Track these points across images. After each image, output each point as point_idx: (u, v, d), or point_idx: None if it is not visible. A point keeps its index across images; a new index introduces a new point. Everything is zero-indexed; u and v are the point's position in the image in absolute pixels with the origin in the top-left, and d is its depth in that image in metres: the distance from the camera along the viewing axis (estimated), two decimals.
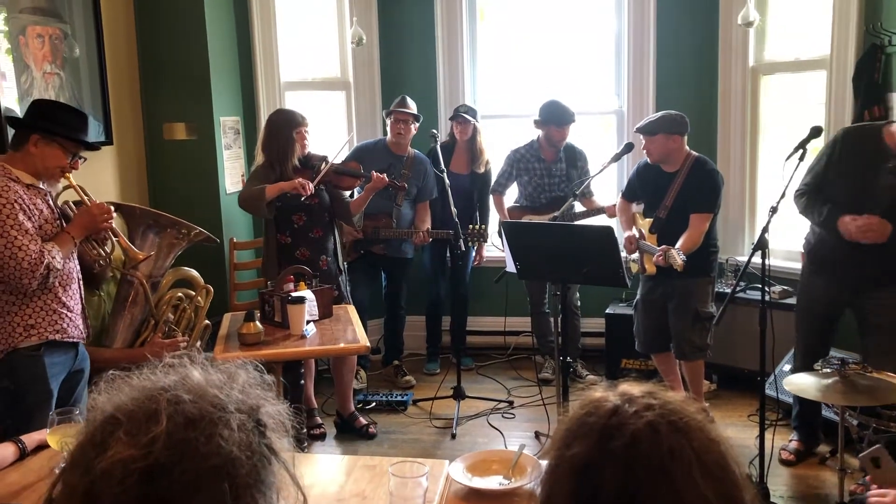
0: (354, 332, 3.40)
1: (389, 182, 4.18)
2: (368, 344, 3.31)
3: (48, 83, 3.76)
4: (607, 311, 4.82)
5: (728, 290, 3.61)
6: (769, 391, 3.75)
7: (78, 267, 2.87)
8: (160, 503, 0.86)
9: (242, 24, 5.03)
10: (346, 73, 5.29)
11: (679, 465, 0.90)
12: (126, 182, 4.49)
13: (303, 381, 3.89)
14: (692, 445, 0.92)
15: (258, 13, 5.03)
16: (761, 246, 3.10)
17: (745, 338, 4.23)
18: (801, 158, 3.17)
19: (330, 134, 5.30)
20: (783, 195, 3.14)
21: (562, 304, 3.58)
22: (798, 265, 4.41)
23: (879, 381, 2.73)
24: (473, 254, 4.99)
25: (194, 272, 3.57)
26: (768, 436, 3.27)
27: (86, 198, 2.83)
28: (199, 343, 3.43)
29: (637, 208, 4.17)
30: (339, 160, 4.20)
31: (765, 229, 3.12)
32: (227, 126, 4.84)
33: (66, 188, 2.85)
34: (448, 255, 4.64)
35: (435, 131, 4.65)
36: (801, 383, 2.79)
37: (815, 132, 3.23)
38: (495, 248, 4.83)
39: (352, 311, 3.72)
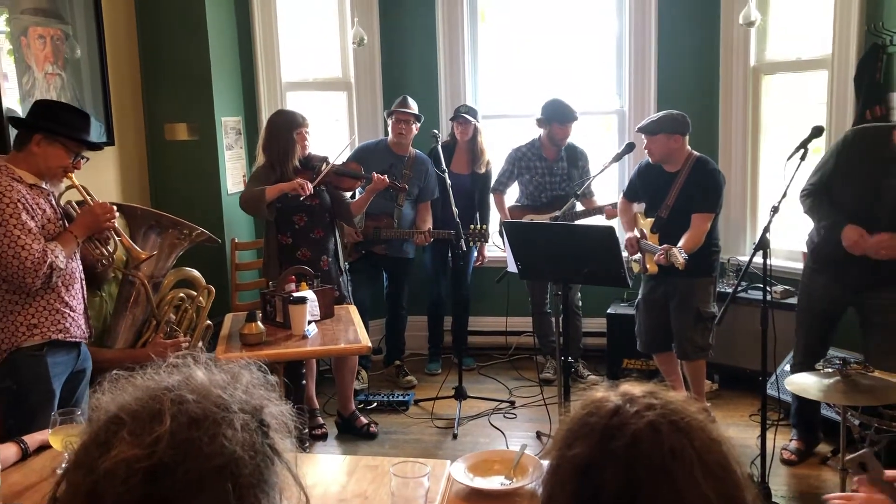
0: (356, 332, 3.40)
1: (390, 183, 4.18)
2: (370, 344, 3.31)
3: (50, 84, 3.77)
4: (609, 310, 4.82)
5: (729, 290, 3.62)
6: (770, 391, 3.75)
7: (80, 267, 2.87)
8: (163, 503, 0.86)
9: (243, 25, 5.03)
10: (348, 74, 5.30)
11: (680, 465, 0.90)
12: (127, 182, 4.49)
13: (304, 382, 3.89)
14: (694, 445, 0.92)
15: (259, 13, 5.04)
16: (763, 246, 3.10)
17: (746, 338, 4.23)
18: (803, 158, 3.17)
19: (331, 134, 5.31)
20: (784, 195, 3.14)
21: (563, 304, 3.58)
22: (799, 265, 4.41)
23: (881, 380, 2.73)
24: (475, 254, 5.00)
25: (196, 272, 3.57)
26: (770, 436, 3.27)
27: (88, 197, 2.84)
28: (200, 343, 3.43)
29: (638, 208, 4.17)
30: (340, 161, 4.20)
31: (766, 229, 3.12)
32: (228, 126, 4.85)
33: (68, 188, 2.85)
34: (449, 255, 4.64)
35: (436, 131, 4.65)
36: (802, 383, 2.79)
37: (817, 132, 3.23)
38: (496, 247, 4.83)
39: (353, 311, 3.72)
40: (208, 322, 3.54)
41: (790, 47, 4.72)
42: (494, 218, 4.95)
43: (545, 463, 1.03)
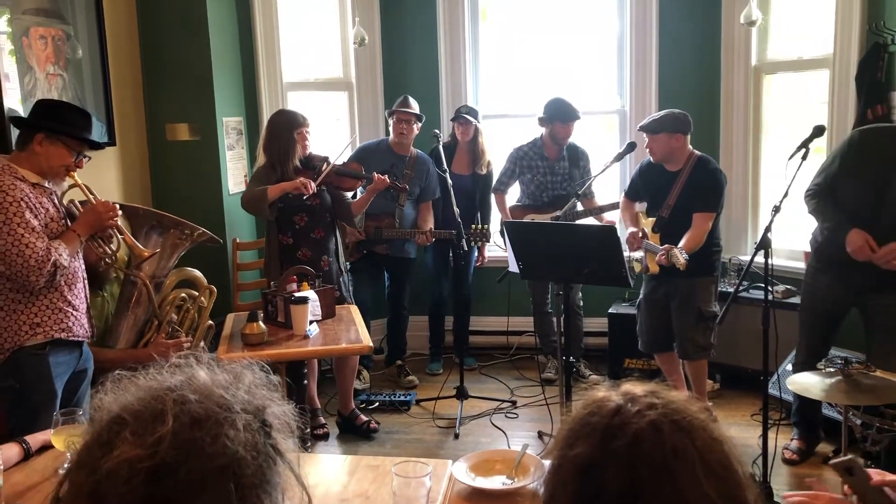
0: (357, 332, 3.40)
1: (391, 183, 4.18)
2: (371, 344, 3.32)
3: (51, 84, 3.77)
4: (610, 310, 4.82)
5: (731, 290, 3.62)
6: (772, 391, 3.75)
7: (83, 266, 2.88)
8: (166, 503, 0.87)
9: (245, 25, 5.04)
10: (349, 74, 5.30)
11: (682, 465, 0.90)
12: (129, 183, 4.50)
13: (306, 382, 3.89)
14: (695, 444, 0.92)
15: (260, 13, 5.04)
16: (764, 245, 3.10)
17: (748, 337, 4.22)
18: (804, 158, 3.17)
19: (332, 134, 5.31)
20: (786, 194, 3.13)
21: (564, 304, 3.57)
22: (801, 265, 4.41)
23: (882, 380, 2.72)
24: (476, 254, 5.00)
25: (197, 273, 3.57)
26: (771, 435, 3.27)
27: (91, 196, 2.85)
28: (202, 343, 3.43)
29: (640, 207, 4.17)
30: (340, 161, 4.20)
31: (768, 229, 3.11)
32: (229, 126, 4.85)
33: (71, 187, 2.86)
34: (450, 255, 4.65)
35: (437, 131, 4.66)
36: (804, 383, 2.78)
37: (818, 131, 3.23)
38: (498, 247, 4.83)
39: (354, 311, 3.72)
40: (210, 322, 3.54)
41: (791, 47, 4.72)
42: (495, 218, 4.95)
43: (547, 463, 1.03)
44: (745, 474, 0.95)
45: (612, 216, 4.63)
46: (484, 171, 4.88)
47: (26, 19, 3.62)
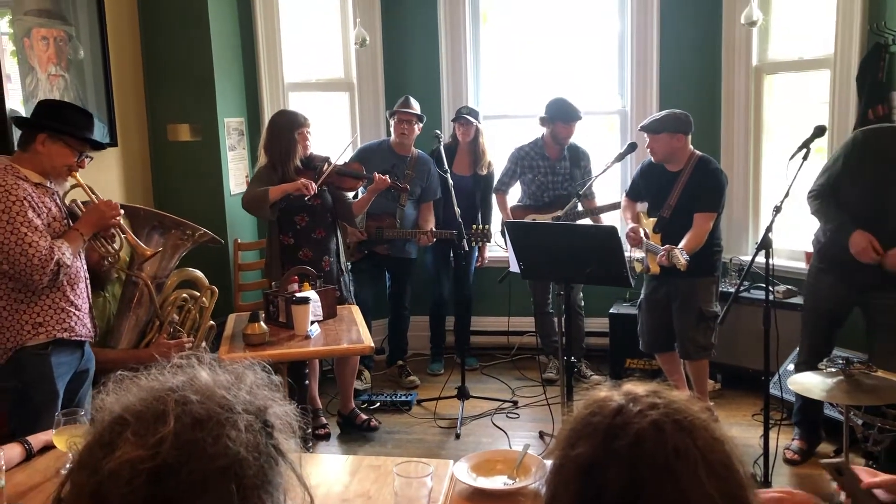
0: (359, 332, 3.40)
1: (391, 184, 4.19)
2: (372, 344, 3.32)
3: (53, 85, 3.78)
4: (611, 310, 4.82)
5: (732, 290, 3.62)
6: (773, 390, 3.75)
7: (85, 266, 2.88)
8: None
9: (246, 26, 5.04)
10: (350, 74, 5.30)
11: (684, 465, 0.90)
12: (130, 183, 4.50)
13: (307, 382, 3.89)
14: (697, 444, 0.92)
15: (262, 14, 5.04)
16: (765, 245, 3.10)
17: (749, 337, 4.22)
18: (805, 158, 3.17)
19: (333, 135, 5.31)
20: (787, 195, 3.13)
21: (565, 304, 3.58)
22: (802, 265, 4.41)
23: (884, 380, 2.72)
24: (476, 254, 5.00)
25: (199, 273, 3.57)
26: (773, 435, 3.27)
27: (93, 196, 2.85)
28: (204, 344, 3.44)
29: (641, 207, 4.17)
30: (341, 161, 4.21)
31: (769, 229, 3.12)
32: (231, 127, 4.85)
33: (73, 187, 2.86)
34: (451, 255, 4.65)
35: (438, 132, 4.66)
36: (805, 382, 2.78)
37: (819, 131, 3.23)
38: (499, 247, 4.83)
39: (356, 311, 3.72)
40: (211, 322, 3.54)
41: (792, 47, 4.72)
42: (496, 218, 4.95)
43: (548, 463, 1.03)
44: (747, 474, 0.95)
45: (613, 216, 4.63)
46: (485, 172, 4.88)
47: (28, 20, 3.62)
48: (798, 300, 4.20)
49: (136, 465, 0.86)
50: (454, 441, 4.06)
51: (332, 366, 4.48)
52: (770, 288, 3.18)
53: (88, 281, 2.91)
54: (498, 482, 1.92)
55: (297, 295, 3.39)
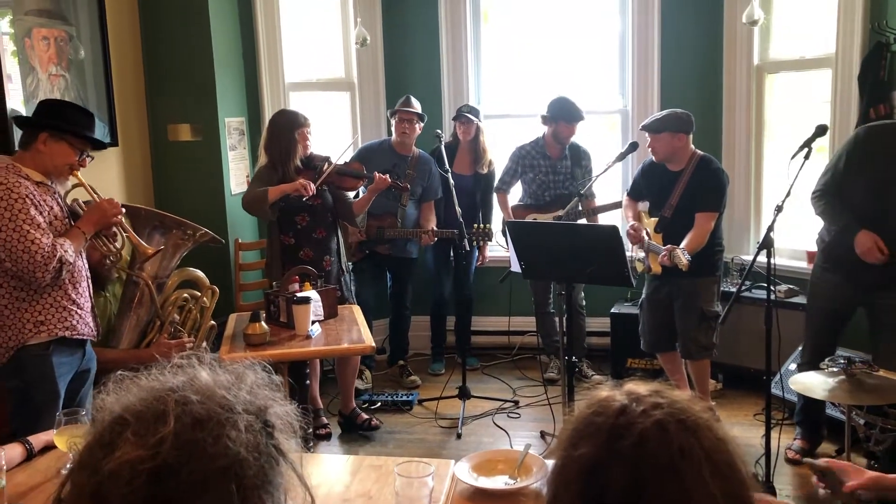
0: (359, 332, 3.40)
1: (392, 183, 4.18)
2: (373, 344, 3.32)
3: (53, 85, 3.78)
4: (612, 310, 4.82)
5: (733, 290, 3.61)
6: (775, 390, 3.75)
7: (87, 266, 2.88)
8: None
9: (247, 25, 5.04)
10: (351, 74, 5.30)
11: (688, 464, 0.90)
12: (131, 183, 4.50)
13: (308, 382, 3.89)
14: (701, 444, 0.92)
15: (262, 14, 5.04)
16: (767, 245, 3.09)
17: (750, 337, 4.21)
18: (807, 157, 3.16)
19: (334, 135, 5.31)
20: (788, 194, 3.13)
21: (566, 304, 3.57)
22: (803, 264, 4.41)
23: (886, 379, 2.72)
24: (476, 253, 4.99)
25: (200, 273, 3.57)
26: (774, 435, 3.27)
27: (95, 195, 2.86)
28: (205, 344, 3.44)
29: (642, 207, 4.17)
30: (342, 161, 4.20)
31: (770, 228, 3.11)
32: (231, 127, 4.85)
33: (75, 186, 2.87)
34: (452, 255, 4.65)
35: (439, 131, 4.65)
36: (807, 382, 2.78)
37: (821, 131, 3.22)
38: (500, 247, 4.83)
39: (357, 311, 3.72)
40: (212, 322, 3.54)
41: (794, 46, 4.71)
42: (497, 217, 4.95)
43: (549, 462, 1.03)
44: (749, 474, 0.95)
45: (615, 216, 4.63)
46: (485, 171, 4.88)
47: (29, 20, 3.62)
48: (799, 300, 4.20)
49: (137, 465, 0.85)
50: (455, 441, 4.06)
51: (333, 366, 4.48)
52: (771, 287, 3.18)
53: (90, 280, 2.91)
54: (499, 482, 1.92)
55: (298, 295, 3.38)
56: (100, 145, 2.91)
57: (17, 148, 2.85)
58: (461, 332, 4.90)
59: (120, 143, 4.33)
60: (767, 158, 4.88)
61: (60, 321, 2.71)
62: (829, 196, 3.40)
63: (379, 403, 4.48)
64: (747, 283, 4.07)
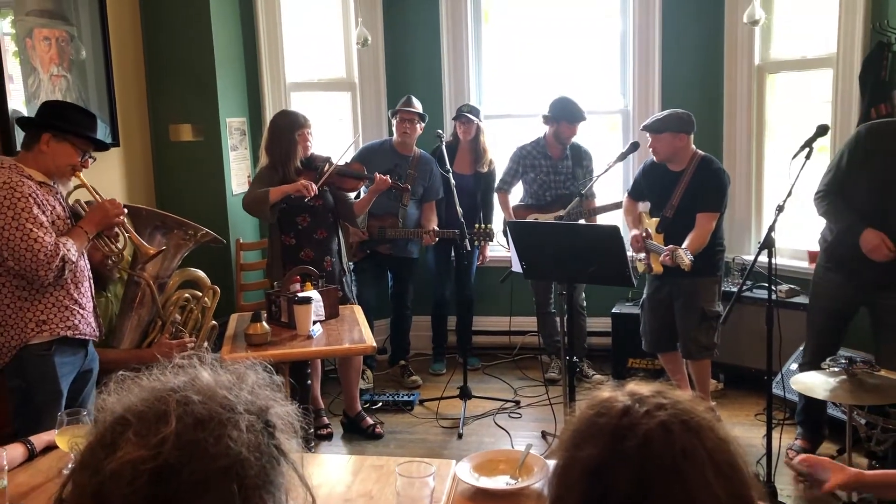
0: (361, 332, 3.40)
1: (392, 183, 4.18)
2: (375, 344, 3.32)
3: (55, 85, 3.78)
4: (614, 310, 4.82)
5: (734, 289, 3.61)
6: (776, 390, 3.74)
7: (88, 265, 2.89)
8: None
9: (248, 26, 5.04)
10: (352, 74, 5.30)
11: (692, 465, 0.90)
12: (133, 183, 4.50)
13: (309, 382, 3.89)
14: (705, 445, 0.92)
15: (263, 14, 5.04)
16: (768, 245, 3.09)
17: (751, 337, 4.21)
18: (808, 157, 3.16)
19: (335, 135, 5.31)
20: (789, 194, 3.13)
21: (567, 304, 3.57)
22: (804, 264, 4.41)
23: (887, 379, 2.72)
24: (477, 253, 4.99)
25: (201, 273, 3.58)
26: (775, 435, 3.26)
27: (97, 196, 2.86)
28: (206, 344, 3.44)
29: (643, 207, 4.17)
30: (343, 162, 4.20)
31: (771, 228, 3.11)
32: (232, 127, 4.85)
33: (77, 187, 2.88)
34: (453, 255, 4.65)
35: (440, 131, 4.65)
36: (808, 382, 2.78)
37: (822, 130, 3.22)
38: (501, 247, 4.83)
39: (358, 311, 3.72)
40: (213, 322, 3.55)
41: (795, 46, 4.71)
42: (498, 217, 4.95)
43: (550, 463, 1.03)
44: (751, 474, 0.95)
45: (615, 216, 4.63)
46: (486, 170, 4.88)
47: (30, 21, 3.63)
48: (800, 300, 4.19)
49: (138, 465, 0.86)
50: (456, 441, 4.06)
51: (334, 366, 4.48)
52: (772, 287, 3.17)
53: (92, 280, 2.91)
54: (500, 482, 1.91)
55: (300, 295, 3.38)
56: (102, 146, 2.91)
57: (19, 149, 2.85)
58: (462, 332, 4.91)
59: (121, 143, 4.33)
60: (768, 158, 4.88)
61: (63, 321, 2.71)
62: (833, 196, 3.40)
63: (380, 403, 4.48)
64: (748, 282, 4.07)
